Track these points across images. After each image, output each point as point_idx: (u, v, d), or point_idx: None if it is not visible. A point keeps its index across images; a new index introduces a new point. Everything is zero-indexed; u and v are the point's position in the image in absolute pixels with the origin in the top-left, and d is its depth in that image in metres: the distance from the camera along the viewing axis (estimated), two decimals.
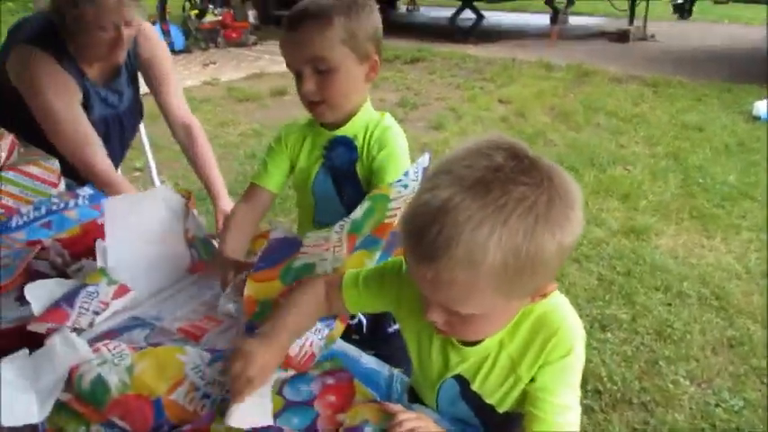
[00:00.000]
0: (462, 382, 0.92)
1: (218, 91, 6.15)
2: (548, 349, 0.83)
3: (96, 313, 1.14)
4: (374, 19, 1.25)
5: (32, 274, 1.30)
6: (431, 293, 0.76)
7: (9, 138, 1.66)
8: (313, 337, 1.05)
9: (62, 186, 1.69)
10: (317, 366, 1.01)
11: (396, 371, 1.10)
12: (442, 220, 0.68)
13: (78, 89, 1.75)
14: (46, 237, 1.46)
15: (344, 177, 1.28)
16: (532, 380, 0.85)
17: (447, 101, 5.73)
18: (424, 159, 1.06)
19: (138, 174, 3.60)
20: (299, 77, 1.22)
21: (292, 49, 1.21)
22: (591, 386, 2.13)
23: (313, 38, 1.18)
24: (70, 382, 0.91)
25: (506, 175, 0.70)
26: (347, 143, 1.28)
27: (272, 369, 0.92)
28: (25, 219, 1.52)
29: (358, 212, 1.05)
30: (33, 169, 1.64)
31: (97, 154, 1.73)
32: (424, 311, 0.80)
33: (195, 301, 1.25)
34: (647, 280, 2.76)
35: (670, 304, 2.58)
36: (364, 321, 1.25)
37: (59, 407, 0.90)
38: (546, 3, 9.48)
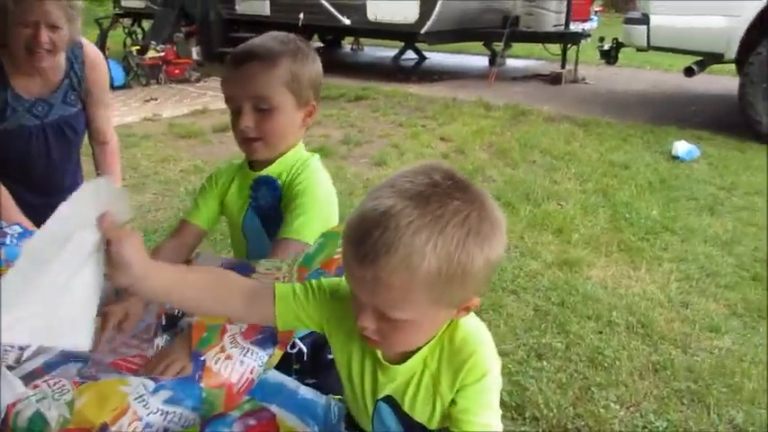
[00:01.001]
0: (393, 403, 0.95)
1: (160, 127, 6.08)
2: (464, 371, 0.87)
3: (22, 348, 1.12)
4: (317, 67, 1.30)
5: None
6: (367, 297, 0.80)
7: None
8: (254, 364, 1.07)
9: None
10: (237, 407, 1.01)
11: (334, 399, 1.12)
12: (384, 224, 0.75)
13: None
14: None
15: (270, 216, 1.31)
16: (453, 402, 0.88)
17: (390, 138, 5.85)
18: None
19: None
20: (237, 113, 1.25)
21: (235, 84, 1.24)
22: (529, 413, 2.19)
23: (258, 76, 1.21)
24: (6, 420, 0.89)
25: (443, 191, 0.77)
26: (270, 183, 1.31)
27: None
28: None
29: (311, 248, 1.09)
30: None
31: None
32: (356, 318, 0.84)
33: (126, 335, 1.23)
34: (579, 310, 2.87)
35: (601, 332, 2.69)
36: (305, 350, 1.27)
37: None
38: (484, 45, 9.90)
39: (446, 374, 0.89)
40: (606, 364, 2.47)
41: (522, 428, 2.14)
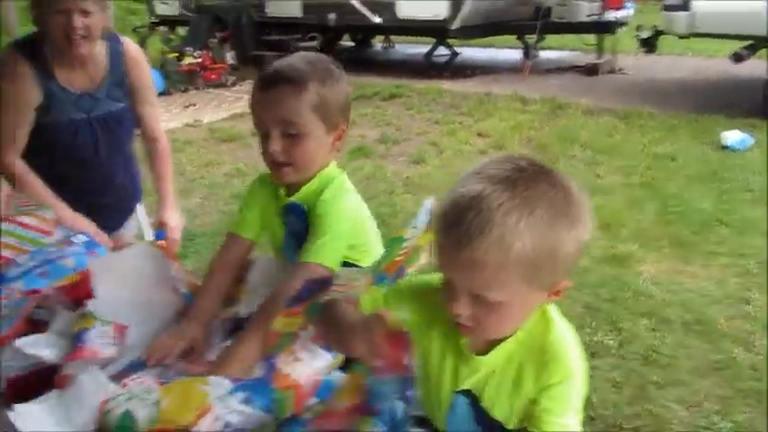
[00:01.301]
0: (471, 398, 0.95)
1: (201, 132, 6.19)
2: (549, 370, 0.87)
3: (115, 345, 1.17)
4: (345, 88, 1.26)
5: (33, 324, 1.31)
6: (462, 280, 0.82)
7: (6, 190, 1.67)
8: (320, 366, 1.08)
9: (57, 235, 1.70)
10: (309, 410, 1.02)
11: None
12: (477, 207, 0.78)
13: (38, 95, 1.85)
14: (44, 285, 1.46)
15: (303, 243, 1.27)
16: (536, 402, 0.88)
17: (427, 135, 5.84)
18: (427, 203, 1.10)
19: None
20: (265, 137, 1.22)
21: (263, 109, 1.22)
22: (584, 413, 2.16)
23: (285, 101, 1.18)
24: (98, 417, 0.93)
25: (529, 175, 0.81)
26: (296, 210, 1.29)
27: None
28: (23, 269, 1.52)
29: (381, 254, 1.10)
30: (28, 220, 1.64)
31: (9, 151, 1.87)
32: (448, 306, 0.85)
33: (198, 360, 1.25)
34: (631, 306, 2.82)
35: (655, 330, 2.64)
36: None
37: None
38: (517, 38, 9.78)
39: (530, 372, 0.88)
40: (663, 363, 2.42)
41: None
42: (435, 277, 0.96)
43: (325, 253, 1.20)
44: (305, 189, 1.28)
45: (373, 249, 1.32)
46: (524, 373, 0.89)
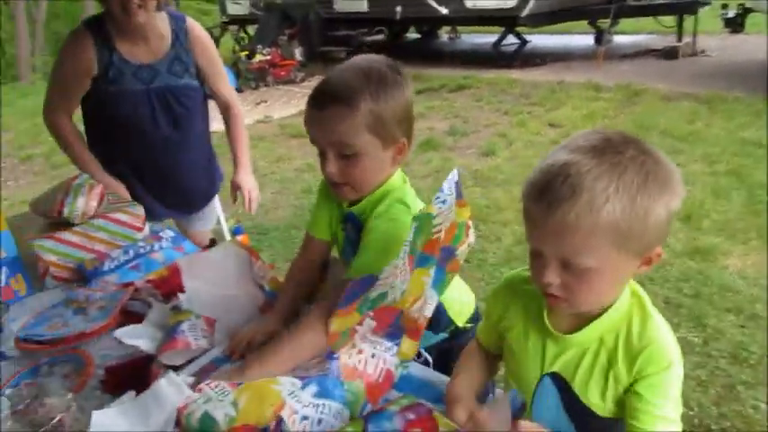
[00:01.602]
0: (560, 382, 0.93)
1: (272, 128, 6.36)
2: (644, 358, 0.85)
3: (206, 338, 1.22)
4: (403, 98, 1.18)
5: (127, 315, 1.39)
6: (552, 246, 0.83)
7: (99, 188, 1.77)
8: (384, 355, 1.10)
9: (146, 230, 1.80)
10: (394, 402, 1.04)
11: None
12: (565, 172, 0.79)
13: (94, 65, 1.99)
14: (136, 278, 1.56)
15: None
16: (633, 392, 0.86)
17: (496, 127, 5.75)
18: (454, 174, 1.08)
19: None
20: (322, 156, 1.20)
21: (315, 129, 1.18)
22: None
23: (337, 123, 1.14)
24: (179, 421, 0.97)
25: (617, 143, 0.81)
26: (353, 221, 1.27)
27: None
28: (116, 263, 1.63)
29: (410, 235, 1.08)
30: (120, 216, 1.75)
31: (58, 114, 2.09)
32: (538, 277, 0.86)
33: None
34: (717, 302, 2.69)
35: (743, 326, 2.51)
36: (431, 360, 1.26)
37: None
38: (589, 23, 9.45)
39: (624, 358, 0.87)
40: (752, 361, 2.30)
41: None
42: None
43: (366, 269, 1.16)
44: (365, 201, 1.25)
45: None
46: (618, 358, 0.87)
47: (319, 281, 1.43)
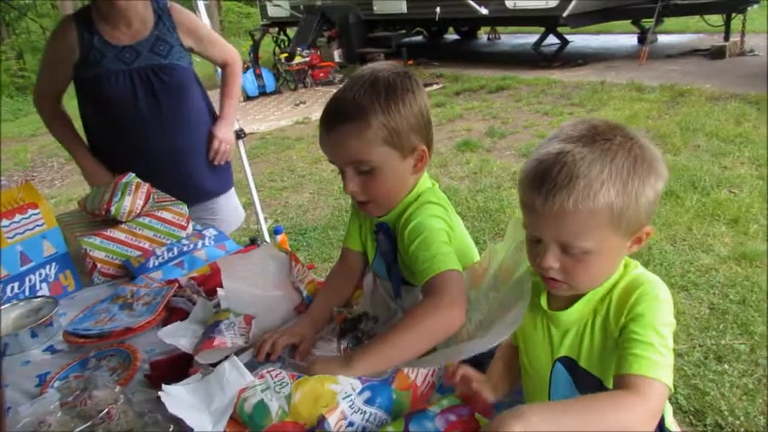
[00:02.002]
0: (570, 362, 0.95)
1: (310, 129, 6.41)
2: (632, 301, 0.87)
3: (243, 336, 1.24)
4: (417, 104, 1.14)
5: (171, 311, 1.43)
6: (552, 232, 0.87)
7: (146, 187, 1.83)
8: (435, 367, 1.10)
9: (190, 229, 1.85)
10: (435, 403, 1.03)
11: None
12: (561, 161, 0.84)
13: (76, 50, 2.08)
14: (180, 275, 1.60)
15: (393, 262, 1.27)
16: (621, 335, 0.87)
17: (535, 128, 5.68)
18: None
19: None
20: (341, 174, 1.18)
21: (329, 149, 1.16)
22: (710, 420, 2.03)
23: (350, 142, 1.11)
24: (235, 403, 0.99)
25: (604, 131, 0.86)
26: (385, 230, 1.25)
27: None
28: (161, 260, 1.68)
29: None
30: (165, 214, 1.80)
31: (45, 97, 2.21)
32: (538, 262, 0.90)
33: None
34: (764, 309, 2.60)
35: None
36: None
37: None
38: (632, 23, 9.25)
39: (615, 311, 0.89)
40: None
41: None
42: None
43: (439, 263, 1.13)
44: (394, 210, 1.24)
45: (468, 255, 1.29)
46: (610, 315, 0.90)
47: (356, 288, 1.43)
